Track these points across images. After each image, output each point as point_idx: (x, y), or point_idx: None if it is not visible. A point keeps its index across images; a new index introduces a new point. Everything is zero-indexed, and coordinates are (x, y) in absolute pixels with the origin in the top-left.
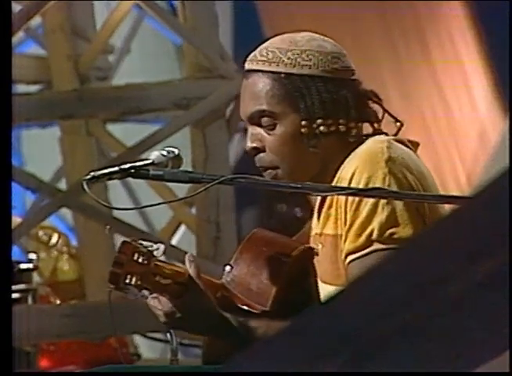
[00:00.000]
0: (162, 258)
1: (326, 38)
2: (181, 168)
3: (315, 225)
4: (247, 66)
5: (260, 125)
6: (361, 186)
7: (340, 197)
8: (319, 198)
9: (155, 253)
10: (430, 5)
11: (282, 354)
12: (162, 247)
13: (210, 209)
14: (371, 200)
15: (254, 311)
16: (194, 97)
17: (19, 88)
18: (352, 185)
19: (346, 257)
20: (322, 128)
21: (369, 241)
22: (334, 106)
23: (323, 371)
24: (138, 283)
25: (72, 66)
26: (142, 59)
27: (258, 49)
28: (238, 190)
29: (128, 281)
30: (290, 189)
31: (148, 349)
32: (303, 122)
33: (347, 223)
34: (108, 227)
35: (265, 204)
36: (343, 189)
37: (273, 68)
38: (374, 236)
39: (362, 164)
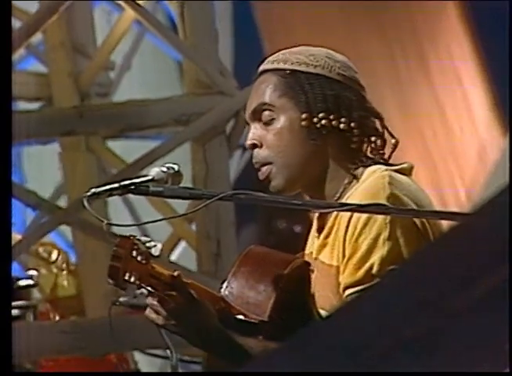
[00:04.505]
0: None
1: (340, 54)
2: (181, 184)
3: (310, 245)
4: (260, 68)
5: (260, 121)
6: (361, 222)
7: (338, 227)
8: (316, 216)
9: (152, 251)
10: (429, 23)
11: (284, 368)
12: (159, 245)
13: (210, 225)
14: (371, 234)
15: (252, 321)
16: (194, 113)
17: (20, 104)
18: (353, 220)
19: (344, 290)
20: (323, 121)
21: (368, 275)
22: (336, 103)
23: None
24: (137, 282)
25: (72, 83)
26: (142, 75)
27: (272, 55)
28: (238, 206)
29: (126, 278)
30: (291, 206)
31: (148, 366)
32: (303, 115)
33: (346, 256)
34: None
35: (265, 220)
36: (342, 205)
37: (280, 66)
38: (374, 270)
39: (363, 201)
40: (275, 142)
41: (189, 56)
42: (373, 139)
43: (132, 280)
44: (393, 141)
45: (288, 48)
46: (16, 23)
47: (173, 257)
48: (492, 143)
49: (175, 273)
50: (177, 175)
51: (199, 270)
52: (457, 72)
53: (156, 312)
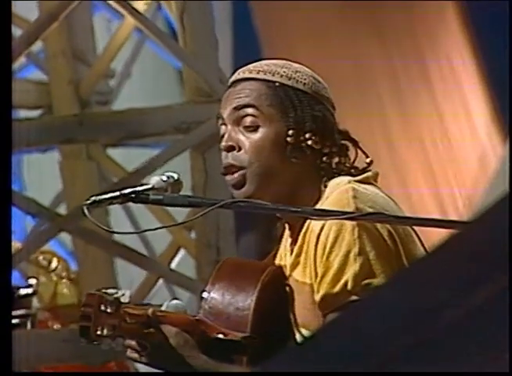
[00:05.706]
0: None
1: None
2: (181, 192)
3: (283, 256)
4: (237, 76)
5: (239, 125)
6: (330, 241)
7: (308, 246)
8: (287, 228)
9: (122, 299)
10: (429, 32)
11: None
12: (128, 292)
13: (210, 233)
14: (342, 251)
15: (233, 338)
16: (194, 121)
17: (20, 112)
18: (322, 239)
19: (321, 308)
20: (310, 142)
21: (343, 293)
22: (323, 125)
23: None
24: (110, 333)
25: (73, 91)
26: (142, 83)
27: (250, 65)
28: (238, 214)
29: (99, 333)
30: (290, 213)
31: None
32: (290, 131)
33: (319, 275)
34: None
35: (265, 227)
36: (343, 213)
37: (268, 77)
38: (349, 287)
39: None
40: (255, 150)
41: (189, 63)
42: (336, 159)
43: (105, 333)
44: (368, 160)
45: (264, 59)
46: (16, 31)
47: (173, 265)
48: (492, 150)
49: (149, 312)
50: (177, 183)
51: (198, 278)
52: (457, 79)
53: (138, 352)
